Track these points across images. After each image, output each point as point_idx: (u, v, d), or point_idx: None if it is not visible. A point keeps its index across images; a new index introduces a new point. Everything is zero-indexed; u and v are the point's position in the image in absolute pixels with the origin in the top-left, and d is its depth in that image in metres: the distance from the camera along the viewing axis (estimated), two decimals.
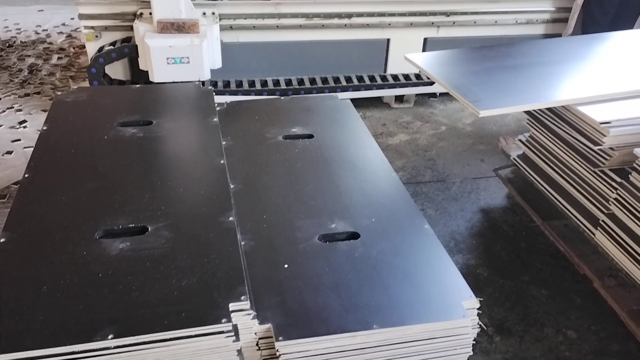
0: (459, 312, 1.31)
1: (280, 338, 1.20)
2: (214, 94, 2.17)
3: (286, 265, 1.42)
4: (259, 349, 1.26)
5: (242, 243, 1.43)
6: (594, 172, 1.96)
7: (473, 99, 1.90)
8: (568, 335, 1.96)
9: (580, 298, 2.12)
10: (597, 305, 2.06)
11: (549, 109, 2.17)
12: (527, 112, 2.32)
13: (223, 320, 1.15)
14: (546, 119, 2.20)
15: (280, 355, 1.20)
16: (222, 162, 1.69)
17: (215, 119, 1.94)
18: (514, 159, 2.49)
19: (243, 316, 1.20)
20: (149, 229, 1.40)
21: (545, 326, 1.99)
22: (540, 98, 1.97)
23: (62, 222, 1.41)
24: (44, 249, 1.32)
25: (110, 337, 1.10)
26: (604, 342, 1.93)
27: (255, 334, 1.23)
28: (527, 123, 2.36)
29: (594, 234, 1.98)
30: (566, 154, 2.11)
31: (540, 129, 2.27)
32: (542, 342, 1.93)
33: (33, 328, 1.12)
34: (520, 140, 2.46)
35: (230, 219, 1.45)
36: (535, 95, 1.97)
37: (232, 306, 1.19)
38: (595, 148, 1.89)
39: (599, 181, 1.95)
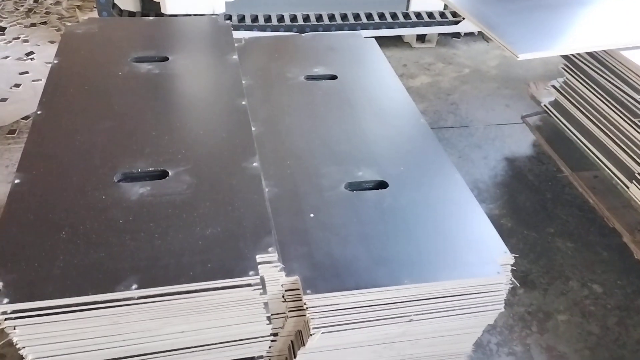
0: (493, 269, 1.25)
1: (308, 291, 1.16)
2: None
3: (312, 215, 1.35)
4: (285, 301, 1.21)
5: (266, 190, 1.36)
6: (634, 122, 1.86)
7: (511, 41, 1.77)
8: (593, 290, 1.92)
9: (607, 252, 2.06)
10: (624, 260, 2.00)
11: (588, 54, 2.04)
12: (564, 57, 2.18)
13: (250, 273, 1.10)
14: (584, 64, 2.07)
15: (307, 308, 1.16)
16: (243, 103, 1.60)
17: (234, 57, 1.83)
18: (544, 105, 2.37)
19: (270, 268, 1.15)
20: (170, 173, 1.33)
21: (570, 279, 1.95)
22: (582, 42, 1.83)
23: (79, 163, 1.34)
24: (61, 192, 1.26)
25: (133, 287, 1.06)
26: (630, 297, 1.90)
27: (282, 286, 1.19)
28: (563, 68, 2.22)
29: (628, 187, 1.90)
30: (604, 102, 1.99)
31: (576, 75, 2.14)
32: (567, 296, 1.89)
33: (53, 275, 1.07)
34: (553, 86, 2.34)
35: (255, 164, 1.38)
36: (577, 39, 1.83)
37: (259, 258, 1.14)
38: (638, 97, 1.78)
39: (638, 132, 1.84)
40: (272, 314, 1.20)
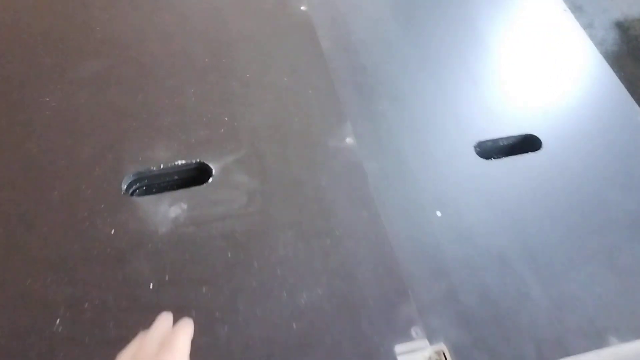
0: None
1: None
2: None
3: (439, 213, 0.85)
4: None
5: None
6: None
7: None
8: None
9: None
10: None
11: None
12: None
13: None
14: None
15: None
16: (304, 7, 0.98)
17: None
18: None
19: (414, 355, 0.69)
20: (213, 170, 0.79)
21: None
22: None
23: (47, 159, 0.79)
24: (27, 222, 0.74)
25: None
26: None
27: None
28: None
29: None
30: None
31: None
32: None
33: None
34: None
35: (349, 140, 0.83)
36: None
37: (399, 351, 0.67)
38: None
39: None
40: None
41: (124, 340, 0.49)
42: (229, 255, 0.73)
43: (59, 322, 0.65)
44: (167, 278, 0.70)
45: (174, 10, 1.00)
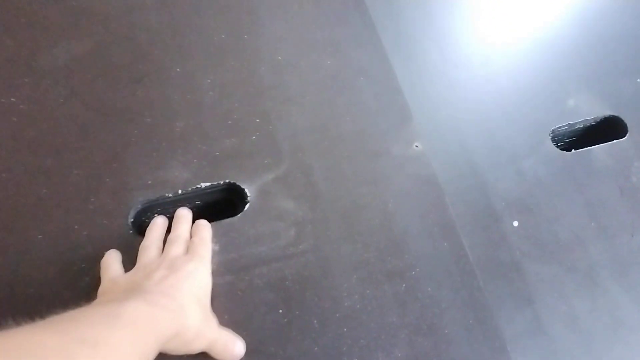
0: None
1: None
2: None
3: (516, 223, 0.69)
4: None
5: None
6: None
7: None
8: None
9: None
10: None
11: None
12: None
13: None
14: None
15: None
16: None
17: None
18: None
19: None
20: (247, 193, 0.60)
21: None
22: None
23: (27, 188, 0.59)
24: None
25: None
26: None
27: None
28: None
29: None
30: None
31: None
32: None
33: None
34: None
35: (417, 146, 0.64)
36: None
37: None
38: None
39: None
40: None
41: None
42: (280, 312, 0.55)
43: None
44: None
45: None
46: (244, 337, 0.54)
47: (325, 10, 0.75)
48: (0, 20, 0.67)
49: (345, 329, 0.55)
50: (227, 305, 0.55)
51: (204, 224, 0.57)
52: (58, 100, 0.63)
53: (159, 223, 0.57)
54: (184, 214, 0.58)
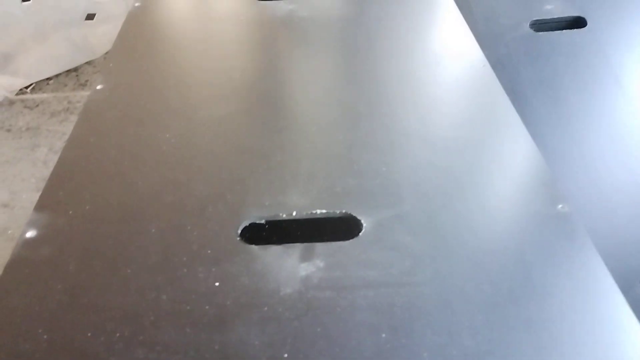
0: None
1: None
2: None
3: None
4: None
5: None
6: None
7: None
8: None
9: None
10: None
11: None
12: None
13: None
14: None
15: None
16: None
17: None
18: None
19: None
20: (363, 224, 0.57)
21: None
22: None
23: (151, 204, 0.61)
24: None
25: None
26: None
27: None
28: None
29: None
30: None
31: None
32: None
33: None
34: None
35: (566, 210, 0.57)
36: None
37: None
38: None
39: None
40: None
41: None
42: (384, 336, 0.46)
43: None
44: (285, 356, 0.44)
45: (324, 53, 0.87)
46: (337, 353, 0.44)
47: (462, 88, 0.77)
48: (166, 80, 0.79)
49: None
50: (323, 319, 0.47)
51: None
52: (203, 139, 0.69)
53: None
54: None
